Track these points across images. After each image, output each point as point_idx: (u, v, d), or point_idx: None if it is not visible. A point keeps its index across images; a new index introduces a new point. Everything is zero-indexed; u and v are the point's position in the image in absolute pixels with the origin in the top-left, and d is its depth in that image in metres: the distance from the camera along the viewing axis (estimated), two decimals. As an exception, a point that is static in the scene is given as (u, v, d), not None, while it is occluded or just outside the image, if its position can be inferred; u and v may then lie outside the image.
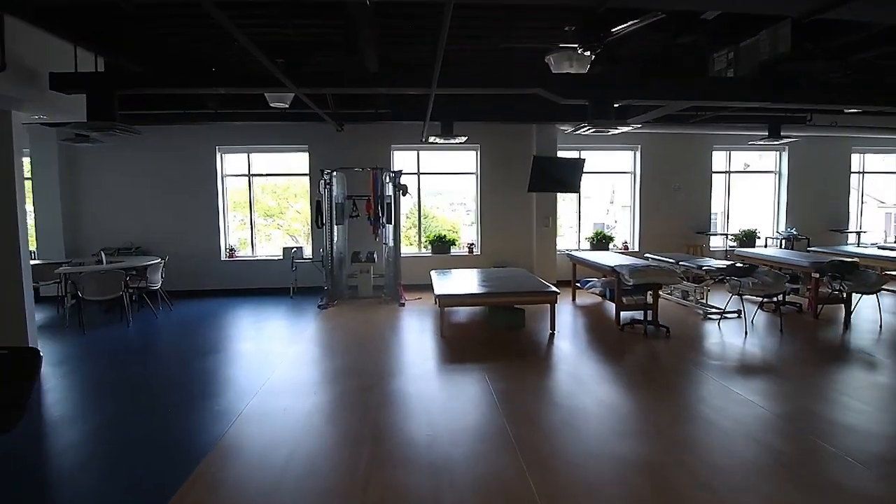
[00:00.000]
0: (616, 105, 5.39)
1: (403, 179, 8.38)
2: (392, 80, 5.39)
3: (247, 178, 9.33)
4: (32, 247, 8.86)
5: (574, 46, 4.77)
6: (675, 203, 9.93)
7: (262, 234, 9.60)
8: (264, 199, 9.64)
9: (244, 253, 9.39)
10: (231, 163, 9.32)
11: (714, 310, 6.99)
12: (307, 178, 9.18)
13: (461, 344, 5.94)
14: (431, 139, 7.84)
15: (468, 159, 9.68)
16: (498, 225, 9.55)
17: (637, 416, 4.01)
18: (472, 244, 9.71)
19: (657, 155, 9.81)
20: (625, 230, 10.31)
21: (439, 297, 6.31)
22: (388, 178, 8.29)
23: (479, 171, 9.56)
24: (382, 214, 8.14)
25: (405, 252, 9.25)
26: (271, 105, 6.70)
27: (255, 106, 7.31)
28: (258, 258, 9.35)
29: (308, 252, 9.22)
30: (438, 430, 3.70)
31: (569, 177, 9.08)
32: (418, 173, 9.55)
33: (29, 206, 8.97)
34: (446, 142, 7.87)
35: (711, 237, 10.05)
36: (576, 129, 5.49)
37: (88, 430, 3.85)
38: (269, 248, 9.69)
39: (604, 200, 11.64)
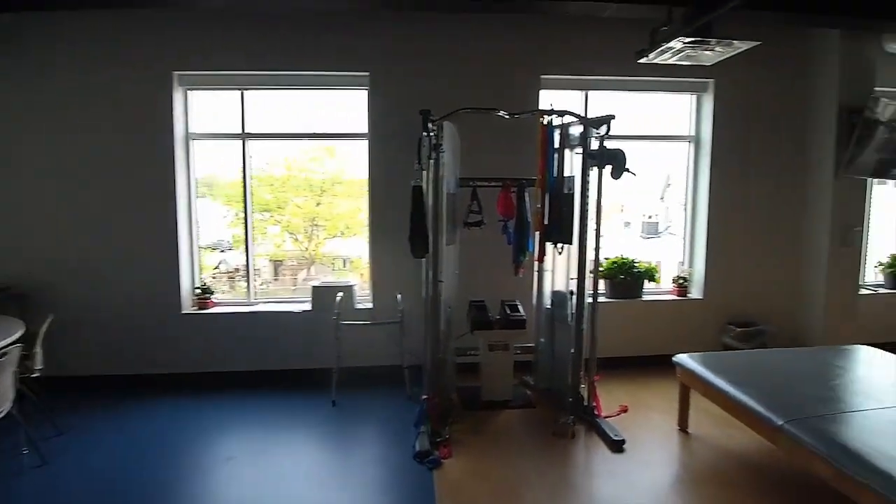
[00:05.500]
0: None
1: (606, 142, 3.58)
2: None
3: (240, 139, 4.56)
4: None
5: None
6: None
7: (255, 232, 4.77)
8: (255, 188, 4.73)
9: (227, 294, 4.61)
10: (206, 110, 4.54)
11: None
12: (365, 141, 4.43)
13: None
14: (676, 45, 3.21)
15: (682, 105, 4.86)
16: (741, 241, 4.74)
17: None
18: (684, 279, 4.91)
19: None
20: None
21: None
22: (570, 135, 3.57)
23: (699, 126, 4.76)
24: (559, 223, 3.41)
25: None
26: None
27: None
28: (258, 307, 4.55)
29: (362, 296, 4.52)
30: None
31: None
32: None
33: None
34: (703, 51, 3.24)
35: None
36: None
37: None
38: (265, 247, 4.90)
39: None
